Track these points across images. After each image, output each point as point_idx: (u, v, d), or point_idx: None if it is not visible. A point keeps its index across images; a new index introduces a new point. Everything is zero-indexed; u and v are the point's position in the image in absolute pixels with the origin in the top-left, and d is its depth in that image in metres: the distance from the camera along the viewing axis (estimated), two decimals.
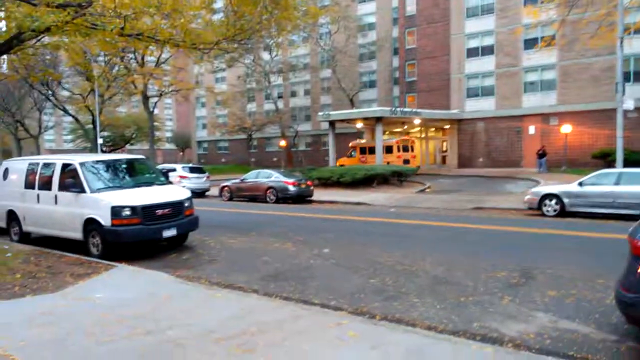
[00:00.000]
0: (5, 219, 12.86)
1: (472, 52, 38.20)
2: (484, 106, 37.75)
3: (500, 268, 8.87)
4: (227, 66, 45.77)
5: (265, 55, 48.21)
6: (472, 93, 38.44)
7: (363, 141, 40.35)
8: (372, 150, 36.53)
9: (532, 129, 35.67)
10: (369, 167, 29.45)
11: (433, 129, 42.05)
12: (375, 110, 36.08)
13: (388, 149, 36.08)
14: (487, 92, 37.67)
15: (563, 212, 15.56)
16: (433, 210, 18.49)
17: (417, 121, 37.02)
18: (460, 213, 17.62)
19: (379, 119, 33.94)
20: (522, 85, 36.07)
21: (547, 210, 15.84)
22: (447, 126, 39.83)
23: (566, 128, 32.42)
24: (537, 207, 16.08)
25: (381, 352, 5.13)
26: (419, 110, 37.07)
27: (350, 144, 41.82)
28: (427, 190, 26.58)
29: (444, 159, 41.55)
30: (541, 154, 31.89)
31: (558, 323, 6.19)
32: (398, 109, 34.72)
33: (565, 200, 15.52)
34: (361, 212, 18.63)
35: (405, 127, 40.99)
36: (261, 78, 49.41)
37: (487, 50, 37.38)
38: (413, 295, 7.48)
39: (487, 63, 37.47)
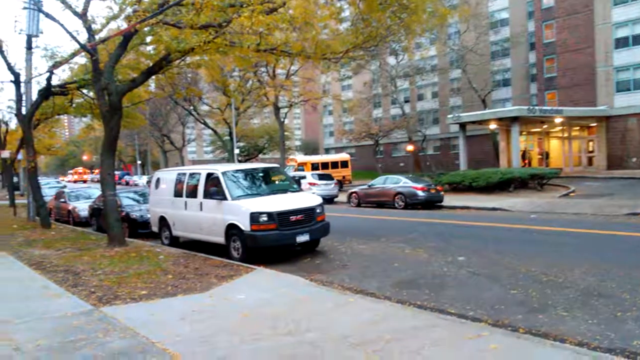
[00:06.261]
0: (158, 224, 14.22)
1: (621, 42, 34.54)
2: (638, 101, 33.87)
3: None
4: (353, 73, 46.31)
5: (391, 60, 47.95)
6: (623, 87, 34.71)
7: (304, 157, 40.22)
8: (325, 166, 38.17)
9: None
10: (505, 170, 27.90)
11: (577, 128, 38.64)
12: (511, 109, 33.98)
13: (324, 165, 38.76)
14: None
15: None
16: (580, 217, 16.94)
17: (558, 120, 34.28)
18: (612, 219, 15.93)
19: (515, 119, 31.96)
20: None
21: None
22: (594, 124, 36.38)
23: None
24: None
25: None
26: (560, 108, 34.35)
27: (287, 160, 43.29)
28: (572, 194, 24.47)
29: (590, 160, 37.99)
30: None
31: None
32: (537, 108, 32.42)
33: None
34: (497, 218, 17.66)
35: (545, 126, 38.15)
36: (387, 83, 49.14)
37: None
38: (560, 308, 6.88)
39: (639, 53, 33.63)
